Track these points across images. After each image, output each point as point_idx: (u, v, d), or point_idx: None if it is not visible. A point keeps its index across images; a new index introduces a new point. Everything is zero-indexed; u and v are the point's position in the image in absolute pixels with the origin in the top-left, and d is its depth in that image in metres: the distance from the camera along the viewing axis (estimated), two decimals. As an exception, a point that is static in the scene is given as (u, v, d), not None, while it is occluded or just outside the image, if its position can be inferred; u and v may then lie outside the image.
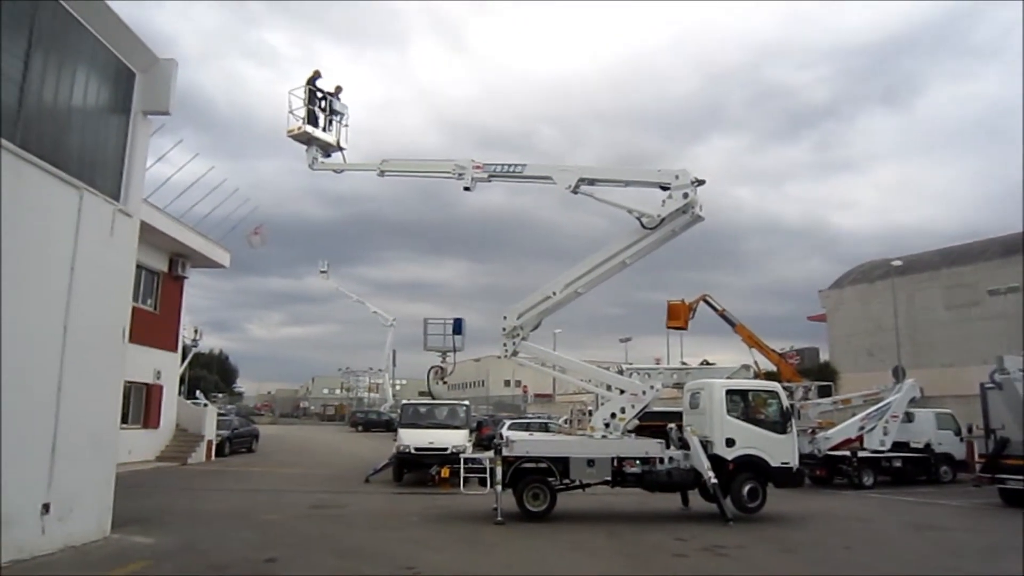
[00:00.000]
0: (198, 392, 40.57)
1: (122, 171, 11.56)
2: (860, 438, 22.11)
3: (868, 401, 24.24)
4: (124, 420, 17.46)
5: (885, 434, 22.24)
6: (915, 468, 22.79)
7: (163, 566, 9.24)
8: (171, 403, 26.99)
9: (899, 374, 28.80)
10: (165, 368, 26.39)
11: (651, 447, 14.40)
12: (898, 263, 36.05)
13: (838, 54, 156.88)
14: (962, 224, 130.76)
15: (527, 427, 29.36)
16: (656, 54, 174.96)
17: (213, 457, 27.40)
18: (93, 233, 10.50)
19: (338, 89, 16.52)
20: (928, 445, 23.33)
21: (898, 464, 22.44)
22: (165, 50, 15.04)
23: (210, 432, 27.66)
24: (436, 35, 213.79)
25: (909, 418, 23.59)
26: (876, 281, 42.97)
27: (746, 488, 14.21)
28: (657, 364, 35.42)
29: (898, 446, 22.72)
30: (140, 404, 24.79)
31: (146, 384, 24.92)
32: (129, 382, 19.68)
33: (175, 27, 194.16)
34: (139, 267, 19.18)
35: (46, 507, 9.47)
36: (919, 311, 39.71)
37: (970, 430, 22.85)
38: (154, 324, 25.31)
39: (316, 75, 16.36)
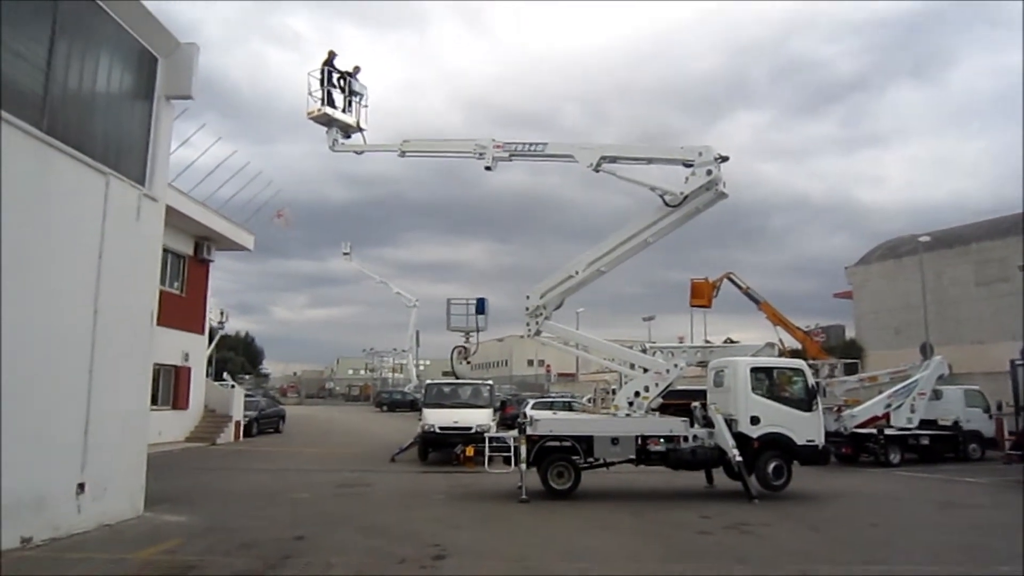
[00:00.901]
0: (225, 374, 41.02)
1: (147, 156, 11.66)
2: (887, 416, 21.90)
3: (895, 379, 24.01)
4: (154, 402, 17.74)
5: (912, 411, 22.00)
6: (943, 446, 22.54)
7: (195, 544, 9.40)
8: (199, 385, 27.43)
9: (927, 351, 28.44)
10: (193, 350, 26.78)
11: (675, 425, 14.38)
12: (926, 239, 35.50)
13: (866, 27, 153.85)
14: (992, 198, 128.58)
15: (551, 406, 29.49)
16: (679, 29, 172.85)
17: (241, 437, 27.85)
18: (120, 218, 10.62)
19: (356, 69, 16.47)
20: (956, 422, 23.05)
21: (926, 442, 22.20)
22: (188, 36, 15.10)
23: (238, 413, 28.09)
24: (456, 15, 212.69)
25: (937, 395, 23.30)
26: (903, 257, 42.36)
27: (771, 466, 14.16)
28: (680, 342, 35.33)
29: (926, 424, 22.46)
30: (169, 386, 25.20)
31: (175, 366, 25.30)
32: (158, 364, 19.94)
33: (198, 13, 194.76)
34: (165, 251, 19.41)
35: (81, 487, 9.68)
36: (947, 287, 39.12)
37: (999, 407, 22.61)
38: (181, 307, 25.65)
39: (332, 55, 16.31)
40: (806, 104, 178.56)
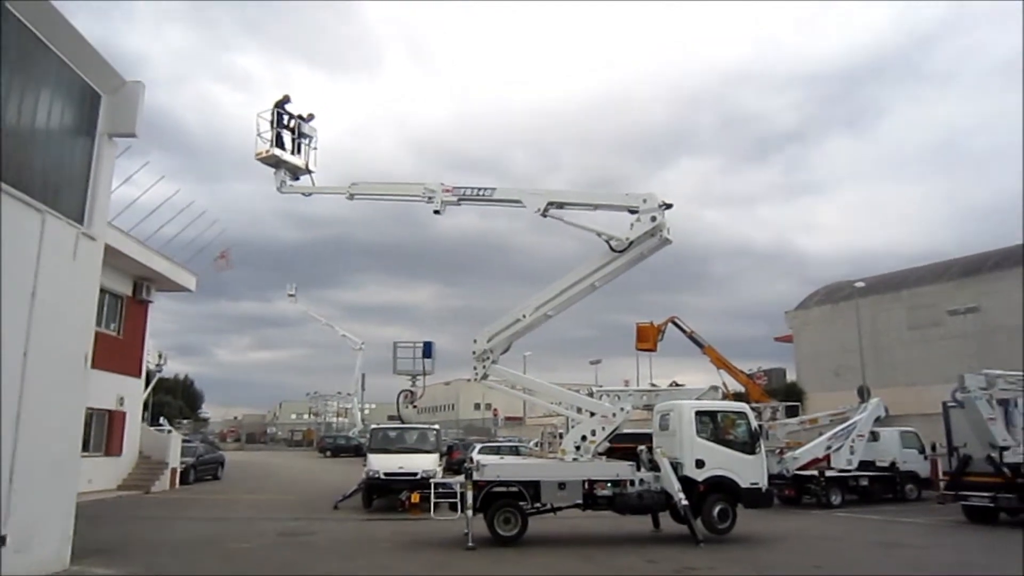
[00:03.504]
0: (162, 418, 39.77)
1: (86, 193, 11.39)
2: (827, 457, 22.32)
3: (834, 420, 24.53)
4: (85, 448, 17.04)
5: (852, 453, 22.48)
6: (881, 486, 23.09)
7: (125, 598, 9.00)
8: (134, 430, 26.45)
9: (864, 393, 29.20)
10: (128, 394, 25.87)
11: (622, 469, 14.40)
12: (861, 284, 36.78)
13: (805, 80, 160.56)
14: (924, 245, 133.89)
15: (498, 451, 29.22)
16: (628, 81, 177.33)
17: (178, 485, 26.84)
18: (55, 257, 10.31)
19: (310, 116, 16.47)
20: (893, 463, 23.67)
21: (865, 483, 22.72)
22: (136, 72, 14.95)
23: (174, 459, 27.12)
24: (410, 60, 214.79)
25: (875, 437, 23.93)
26: (840, 302, 43.72)
27: (717, 509, 14.24)
28: (627, 386, 35.60)
29: (864, 465, 22.99)
30: (102, 431, 24.25)
31: (108, 410, 24.39)
32: (91, 408, 19.24)
33: (146, 48, 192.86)
34: (103, 291, 18.86)
35: (2, 539, 9.19)
36: (882, 331, 40.46)
37: (934, 448, 23.30)
38: (117, 349, 24.83)
39: (286, 99, 16.31)
40: (750, 153, 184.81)
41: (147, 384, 29.83)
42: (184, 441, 30.38)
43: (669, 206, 14.67)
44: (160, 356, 36.54)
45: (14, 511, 9.38)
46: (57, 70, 10.58)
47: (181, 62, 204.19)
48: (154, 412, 40.78)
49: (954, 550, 14.07)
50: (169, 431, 30.31)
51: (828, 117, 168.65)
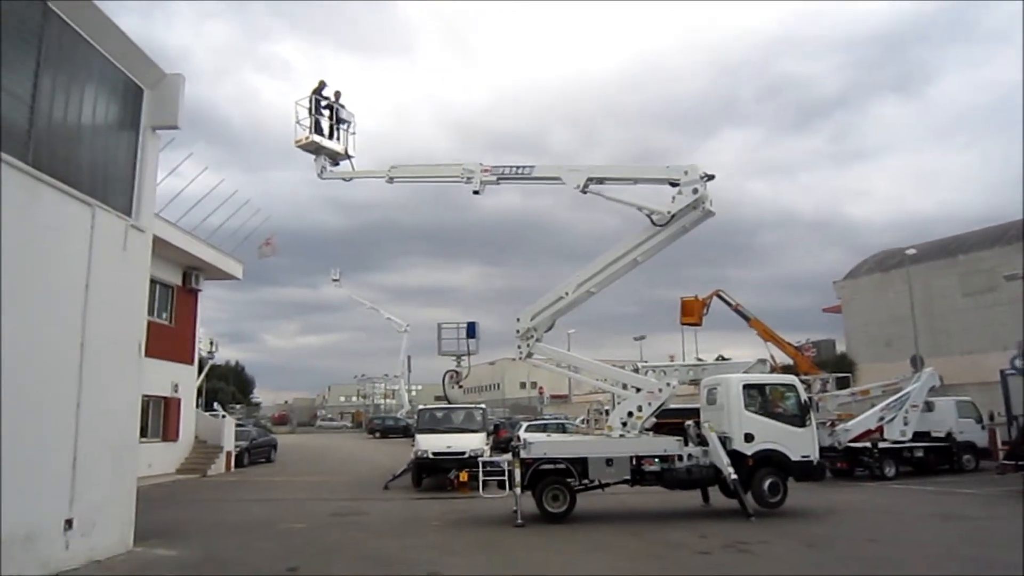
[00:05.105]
0: (215, 404, 40.64)
1: (133, 186, 11.63)
2: (880, 429, 21.91)
3: (887, 391, 24.05)
4: (143, 434, 17.58)
5: (905, 424, 22.03)
6: (937, 457, 22.58)
7: (186, 578, 9.26)
8: (189, 416, 27.15)
9: (917, 363, 28.55)
10: (182, 381, 26.53)
11: (669, 445, 14.33)
12: (912, 251, 35.78)
13: (848, 44, 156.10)
14: (978, 210, 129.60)
15: (544, 428, 29.36)
16: (667, 52, 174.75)
17: (232, 468, 27.53)
18: (106, 249, 10.57)
19: (337, 95, 16.54)
20: (950, 434, 23.09)
21: (920, 454, 22.24)
22: (177, 66, 15.12)
23: (229, 443, 27.78)
24: (445, 41, 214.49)
25: (929, 407, 23.36)
26: (891, 270, 42.60)
27: (767, 483, 14.10)
28: (672, 361, 35.33)
29: (919, 436, 22.49)
30: (159, 417, 24.94)
31: (164, 397, 25.06)
32: (147, 396, 19.79)
33: (187, 43, 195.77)
34: (153, 281, 19.30)
35: (69, 523, 9.53)
36: (935, 299, 39.32)
37: (991, 417, 22.68)
38: (170, 337, 25.45)
39: (322, 85, 16.42)
40: (793, 121, 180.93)
41: (200, 371, 30.50)
42: (238, 425, 31.01)
43: (711, 177, 14.43)
44: (211, 343, 37.27)
45: (78, 496, 9.72)
46: (100, 66, 10.77)
47: (221, 56, 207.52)
48: (208, 398, 41.69)
49: (1016, 521, 13.69)
50: (223, 416, 30.96)
51: (874, 81, 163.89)
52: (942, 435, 23.09)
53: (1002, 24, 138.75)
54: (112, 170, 11.28)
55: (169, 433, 25.46)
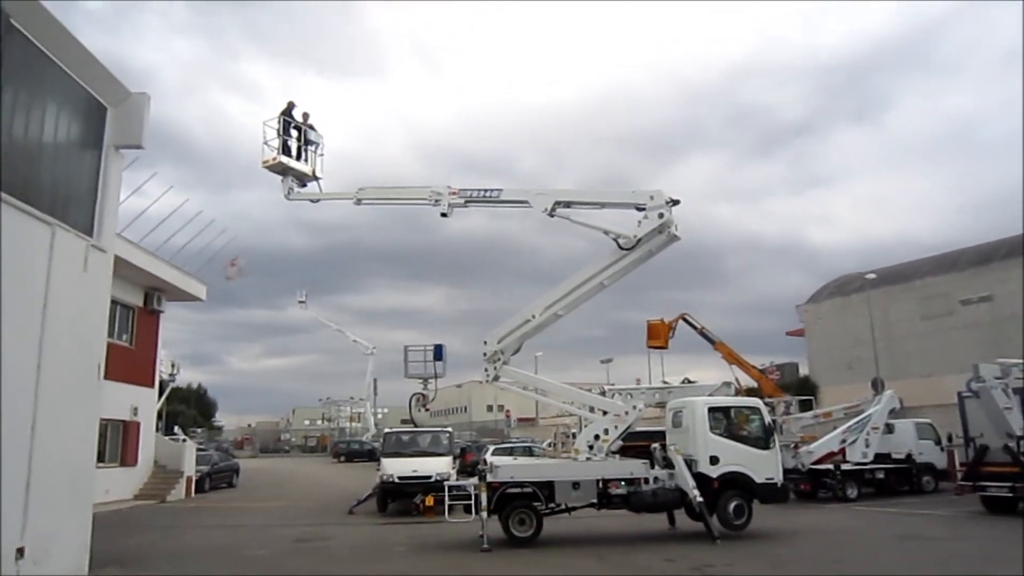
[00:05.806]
0: (176, 428, 39.88)
1: (95, 206, 11.42)
2: (842, 451, 22.23)
3: (849, 414, 24.43)
4: (101, 458, 17.17)
5: (867, 446, 22.40)
6: (898, 479, 22.96)
7: (143, 607, 9.03)
8: (149, 440, 26.57)
9: (878, 386, 28.98)
10: (142, 404, 25.98)
11: (636, 468, 14.36)
12: (872, 276, 36.52)
13: (811, 73, 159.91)
14: (935, 236, 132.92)
15: (511, 452, 29.23)
16: (635, 78, 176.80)
17: (193, 493, 26.95)
18: (66, 270, 10.35)
19: (306, 116, 16.53)
20: (909, 455, 23.52)
21: (881, 475, 22.60)
22: (145, 84, 15.10)
23: (189, 468, 27.21)
24: (416, 64, 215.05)
25: (890, 429, 23.78)
26: (852, 294, 43.40)
27: (732, 505, 14.19)
28: (638, 384, 35.52)
29: (880, 457, 22.89)
30: (117, 441, 24.34)
31: (123, 421, 24.49)
32: (105, 419, 19.34)
33: (153, 60, 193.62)
34: (114, 302, 18.96)
35: (20, 551, 9.23)
36: (895, 323, 40.14)
37: (950, 439, 23.11)
38: (130, 359, 24.96)
39: (291, 106, 16.38)
40: (757, 147, 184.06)
41: (160, 393, 29.96)
42: (199, 450, 30.45)
43: (676, 202, 14.63)
44: (173, 365, 36.62)
45: (31, 522, 9.41)
46: (62, 84, 10.62)
47: (189, 73, 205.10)
48: (168, 421, 40.95)
49: (975, 541, 13.95)
50: (183, 440, 30.39)
51: (835, 109, 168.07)
52: (902, 457, 23.49)
53: (953, 56, 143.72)
54: (73, 189, 11.09)
55: (128, 458, 24.85)
